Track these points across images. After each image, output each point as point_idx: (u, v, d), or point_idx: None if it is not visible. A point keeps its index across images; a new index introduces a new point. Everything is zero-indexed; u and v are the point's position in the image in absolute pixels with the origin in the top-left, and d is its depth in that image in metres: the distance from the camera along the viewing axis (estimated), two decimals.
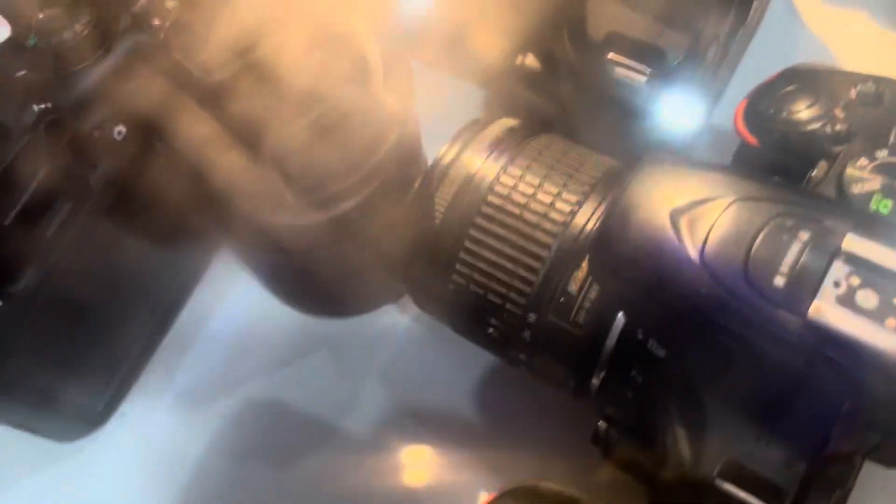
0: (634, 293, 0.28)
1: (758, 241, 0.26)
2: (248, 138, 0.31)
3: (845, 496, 0.27)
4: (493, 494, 0.29)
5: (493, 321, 0.34)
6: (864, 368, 0.24)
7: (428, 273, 0.35)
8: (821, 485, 0.26)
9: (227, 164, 0.31)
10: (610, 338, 0.31)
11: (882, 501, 0.33)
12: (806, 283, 0.25)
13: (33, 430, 0.37)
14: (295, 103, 0.31)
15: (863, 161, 0.29)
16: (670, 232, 0.27)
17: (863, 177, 0.28)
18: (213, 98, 0.32)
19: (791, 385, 0.26)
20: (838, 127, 0.30)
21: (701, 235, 0.27)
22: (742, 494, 0.27)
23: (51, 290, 0.33)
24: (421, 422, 0.39)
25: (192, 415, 0.40)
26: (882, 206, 0.28)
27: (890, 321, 0.24)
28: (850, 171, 0.29)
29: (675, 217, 0.28)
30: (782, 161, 0.31)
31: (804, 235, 0.26)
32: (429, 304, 0.36)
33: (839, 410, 0.25)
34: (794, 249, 0.26)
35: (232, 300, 0.43)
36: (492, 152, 0.35)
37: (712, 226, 0.27)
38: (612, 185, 0.33)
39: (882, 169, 0.28)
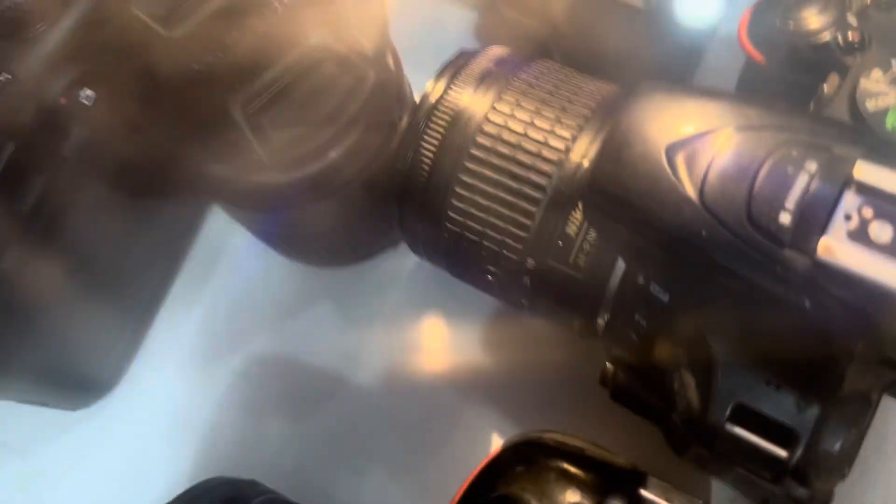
0: (632, 237, 0.27)
1: (761, 175, 0.24)
2: (215, 94, 0.29)
3: (862, 434, 0.26)
4: (498, 448, 0.28)
5: (491, 268, 0.32)
6: (879, 307, 0.22)
7: (421, 221, 0.33)
8: (836, 425, 0.25)
9: (195, 124, 0.30)
10: (611, 282, 0.29)
11: None
12: (814, 219, 0.23)
13: (42, 403, 0.37)
14: (261, 55, 0.29)
15: (877, 73, 0.26)
16: (666, 170, 0.25)
17: (877, 90, 0.26)
18: (177, 53, 0.30)
19: (802, 326, 0.24)
20: (850, 35, 0.28)
21: (700, 172, 0.25)
22: (753, 438, 0.25)
23: (37, 266, 0.32)
24: (430, 367, 0.38)
25: (201, 373, 0.40)
26: None
27: None
28: (863, 84, 0.26)
29: (671, 153, 0.26)
30: (791, 77, 0.29)
31: (811, 166, 0.24)
32: (426, 253, 0.35)
33: (853, 350, 0.24)
34: (801, 182, 0.24)
35: (231, 256, 0.42)
36: (480, 86, 0.33)
37: (711, 160, 0.25)
38: (608, 115, 0.31)
39: None
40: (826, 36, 0.28)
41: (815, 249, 0.22)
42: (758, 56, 0.30)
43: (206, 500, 0.32)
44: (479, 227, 0.32)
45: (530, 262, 0.31)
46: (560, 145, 0.30)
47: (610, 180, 0.27)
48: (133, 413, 0.39)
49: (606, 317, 0.30)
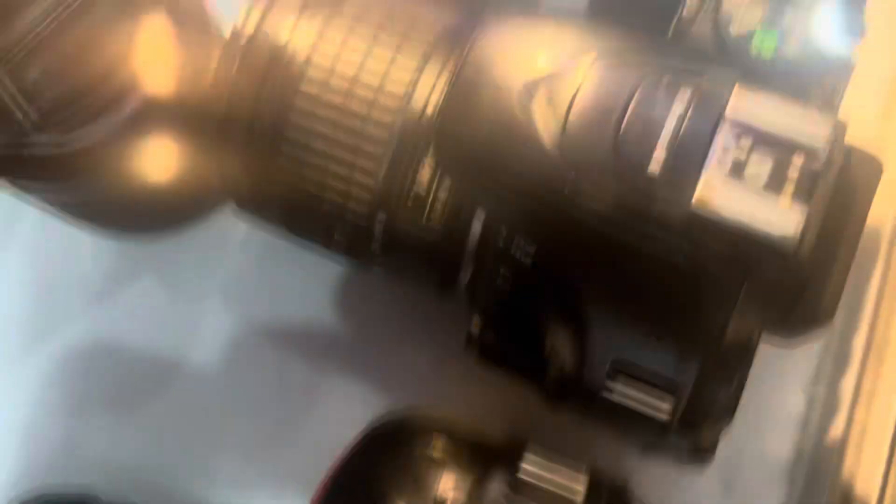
0: (489, 188, 0.23)
1: (628, 114, 0.21)
2: None
3: (744, 379, 0.25)
4: (356, 438, 0.25)
5: (335, 234, 0.28)
6: (760, 254, 0.20)
7: (248, 181, 0.29)
8: (719, 375, 0.23)
9: None
10: (472, 235, 0.26)
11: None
12: (688, 163, 0.21)
13: None
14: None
15: None
16: (522, 113, 0.22)
17: (741, 11, 0.24)
18: None
19: (679, 278, 0.22)
20: None
21: (560, 113, 0.22)
22: (634, 393, 0.23)
23: None
24: (276, 344, 0.34)
25: (6, 376, 0.34)
26: (765, 46, 0.23)
27: (786, 190, 0.20)
28: (725, 4, 0.24)
29: (528, 92, 0.22)
30: None
31: (682, 98, 0.21)
32: (257, 213, 0.30)
33: (734, 299, 0.22)
34: (673, 117, 0.21)
35: (24, 236, 0.36)
36: (302, 15, 0.28)
37: (573, 99, 0.22)
38: (453, 48, 0.27)
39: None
40: None
41: (689, 202, 0.20)
42: None
43: None
44: (316, 189, 0.27)
45: (380, 221, 0.27)
46: (400, 87, 0.26)
47: (459, 128, 0.23)
48: None
49: (468, 274, 0.27)
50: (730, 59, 0.23)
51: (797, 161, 0.20)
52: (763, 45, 0.23)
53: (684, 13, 0.24)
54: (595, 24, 0.23)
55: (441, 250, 0.27)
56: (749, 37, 0.23)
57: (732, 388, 0.24)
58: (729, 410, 0.25)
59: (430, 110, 0.26)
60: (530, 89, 0.22)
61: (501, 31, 0.24)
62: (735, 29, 0.23)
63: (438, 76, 0.26)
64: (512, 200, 0.23)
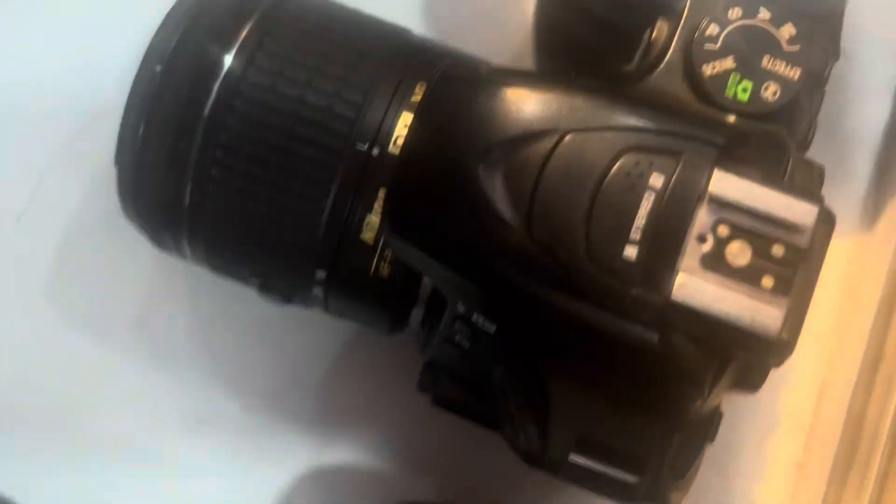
0: (447, 273, 0.22)
1: (599, 198, 0.20)
2: None
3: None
4: None
5: (270, 280, 0.26)
6: (739, 345, 0.20)
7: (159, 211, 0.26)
8: (686, 445, 0.22)
9: None
10: (424, 287, 0.24)
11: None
12: (665, 251, 0.20)
13: None
14: None
15: (712, 27, 0.19)
16: (483, 195, 0.21)
17: (715, 51, 0.19)
18: None
19: (649, 360, 0.21)
20: None
21: (526, 194, 0.20)
22: (599, 467, 0.22)
23: None
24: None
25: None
26: (741, 90, 0.21)
27: (766, 280, 0.19)
28: (697, 43, 0.19)
29: (488, 171, 0.21)
30: (608, 17, 0.21)
31: (658, 181, 0.20)
32: (175, 247, 0.26)
33: (706, 381, 0.21)
34: (648, 203, 0.20)
35: None
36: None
37: (538, 180, 0.20)
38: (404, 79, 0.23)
39: (736, 35, 0.20)
40: None
41: (667, 289, 0.19)
42: None
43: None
44: (240, 231, 0.24)
45: (321, 273, 0.25)
46: (344, 118, 0.23)
47: (411, 203, 0.22)
48: None
49: (420, 319, 0.25)
50: (704, 98, 0.20)
51: (777, 250, 0.19)
52: (739, 88, 0.20)
53: (652, 40, 0.19)
54: (567, 84, 0.20)
55: (390, 301, 0.25)
56: (724, 79, 0.19)
57: (699, 457, 0.22)
58: (692, 477, 0.23)
59: (373, 161, 0.23)
60: (491, 166, 0.20)
61: (452, 93, 0.21)
62: (709, 70, 0.19)
63: (382, 120, 0.23)
64: (473, 283, 0.22)
